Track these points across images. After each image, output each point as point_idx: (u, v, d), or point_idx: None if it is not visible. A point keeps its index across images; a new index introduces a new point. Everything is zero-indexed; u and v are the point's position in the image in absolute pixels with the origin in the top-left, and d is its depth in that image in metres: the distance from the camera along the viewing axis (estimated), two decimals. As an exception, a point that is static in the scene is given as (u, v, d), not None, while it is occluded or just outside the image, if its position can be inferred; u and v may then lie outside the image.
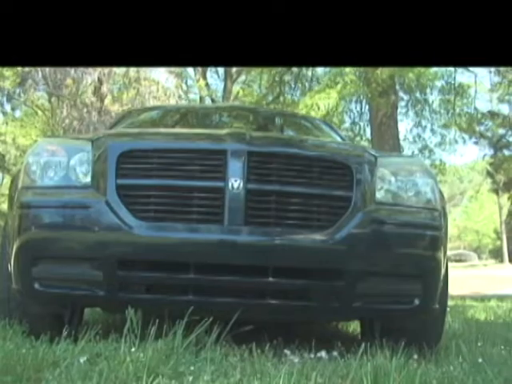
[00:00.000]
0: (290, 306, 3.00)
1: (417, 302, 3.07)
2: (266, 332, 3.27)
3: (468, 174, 41.03)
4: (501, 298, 14.16)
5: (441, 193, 3.35)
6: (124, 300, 2.94)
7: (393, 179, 3.19)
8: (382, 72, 12.31)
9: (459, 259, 54.86)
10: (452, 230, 56.66)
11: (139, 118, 5.16)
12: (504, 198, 24.39)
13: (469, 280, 24.85)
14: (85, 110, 16.43)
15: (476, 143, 19.17)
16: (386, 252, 3.03)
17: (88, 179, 3.03)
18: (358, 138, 15.75)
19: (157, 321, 2.83)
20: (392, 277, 3.06)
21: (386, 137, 13.54)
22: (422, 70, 13.61)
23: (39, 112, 21.06)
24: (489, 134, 19.27)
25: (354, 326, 4.38)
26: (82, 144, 3.18)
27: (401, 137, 15.38)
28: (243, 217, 2.86)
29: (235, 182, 2.87)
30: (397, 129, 14.09)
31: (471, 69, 16.70)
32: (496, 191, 22.46)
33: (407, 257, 3.09)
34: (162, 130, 3.88)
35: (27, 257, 2.99)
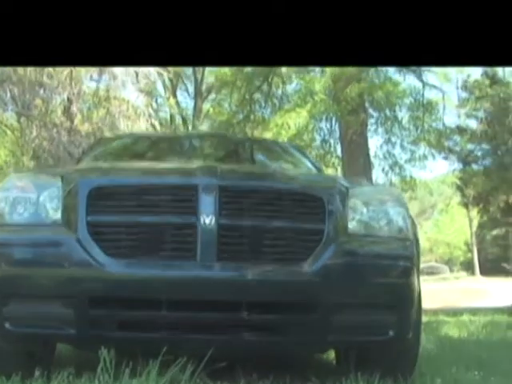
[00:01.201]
0: (264, 340, 2.99)
1: (391, 333, 3.07)
2: (241, 368, 3.25)
3: (438, 187, 41.36)
4: (473, 311, 14.27)
5: (412, 220, 3.37)
6: (96, 338, 2.91)
7: (364, 210, 3.19)
8: (352, 90, 12.40)
9: (431, 272, 55.12)
10: (423, 243, 56.99)
11: (110, 146, 5.15)
12: (474, 211, 24.66)
13: (441, 293, 25.02)
14: (54, 130, 16.29)
15: (445, 158, 19.33)
16: (360, 283, 3.04)
17: (58, 216, 3.00)
18: (328, 156, 15.85)
19: (130, 360, 2.81)
20: (366, 308, 3.06)
21: (357, 154, 13.64)
22: (391, 88, 13.75)
23: (8, 132, 20.85)
24: (457, 148, 19.45)
25: (330, 353, 4.38)
26: (51, 180, 3.14)
27: (371, 153, 15.52)
28: (216, 252, 2.84)
29: (207, 218, 2.85)
30: (367, 146, 14.21)
31: (439, 86, 16.92)
32: (466, 205, 22.65)
33: (380, 288, 3.09)
34: (132, 164, 3.84)
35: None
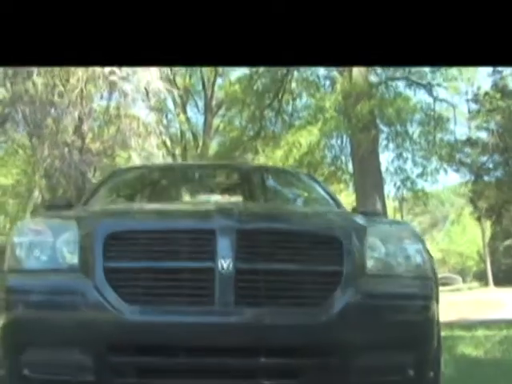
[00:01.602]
0: None
1: (411, 372, 3.06)
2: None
3: (449, 197, 41.20)
4: (487, 325, 14.17)
5: (430, 256, 3.34)
6: None
7: (383, 249, 3.16)
8: (362, 108, 12.38)
9: (444, 283, 54.81)
10: (436, 254, 56.72)
11: (124, 178, 5.14)
12: (486, 223, 24.58)
13: (455, 306, 24.87)
14: (66, 149, 16.34)
15: (457, 171, 19.28)
16: (379, 325, 3.01)
17: (75, 260, 2.98)
18: (339, 172, 15.81)
19: None
20: (385, 349, 3.03)
21: (368, 170, 13.61)
22: (402, 104, 13.71)
23: (20, 151, 20.95)
24: (469, 160, 19.39)
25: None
26: (67, 224, 3.13)
27: (382, 168, 15.47)
28: (233, 297, 2.81)
29: (225, 262, 2.82)
30: (378, 161, 14.18)
31: (449, 99, 16.87)
32: (478, 218, 22.56)
33: (400, 329, 3.06)
34: (147, 205, 3.83)
35: (16, 343, 2.95)
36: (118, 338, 2.86)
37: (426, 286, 3.20)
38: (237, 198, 4.65)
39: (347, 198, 19.05)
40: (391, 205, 20.45)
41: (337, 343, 2.92)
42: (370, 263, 3.09)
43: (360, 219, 3.38)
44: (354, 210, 4.67)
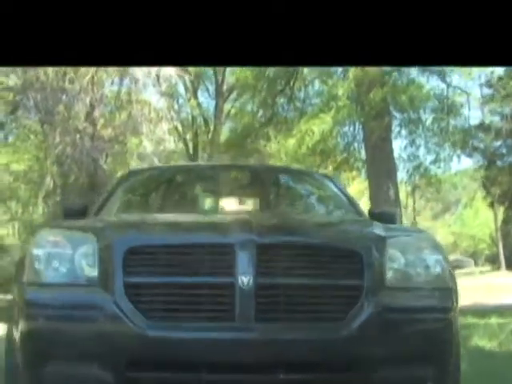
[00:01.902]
0: None
1: None
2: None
3: (462, 180, 40.96)
4: (501, 311, 14.10)
5: (449, 265, 3.30)
6: None
7: (402, 260, 3.13)
8: (375, 95, 12.27)
9: (456, 266, 54.69)
10: (448, 237, 56.59)
11: (137, 182, 5.11)
12: (500, 208, 24.43)
13: (468, 290, 24.77)
14: (77, 135, 16.31)
15: (470, 156, 19.16)
16: (399, 339, 2.99)
17: (94, 273, 2.96)
18: (352, 159, 15.70)
19: None
20: (405, 362, 3.02)
21: (381, 157, 13.52)
22: (415, 91, 13.59)
23: (32, 136, 20.95)
24: (482, 145, 19.27)
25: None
26: (86, 236, 3.10)
27: (395, 155, 15.35)
28: (254, 313, 2.80)
29: (245, 278, 2.80)
30: (391, 148, 14.08)
31: (463, 85, 16.72)
32: (491, 204, 22.46)
33: (420, 342, 3.04)
34: (166, 217, 3.77)
35: (36, 356, 2.95)
36: (138, 353, 2.85)
37: (446, 297, 3.17)
38: (253, 202, 4.71)
39: (360, 185, 18.97)
40: (403, 190, 20.30)
41: (357, 357, 2.91)
42: (389, 275, 3.06)
43: (379, 229, 3.34)
44: (370, 212, 4.63)
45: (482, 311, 14.13)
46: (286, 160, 12.98)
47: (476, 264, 54.56)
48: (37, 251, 3.07)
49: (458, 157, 17.04)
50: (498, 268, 43.76)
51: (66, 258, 3.01)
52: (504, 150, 19.36)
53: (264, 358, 2.82)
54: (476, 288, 26.22)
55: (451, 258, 60.40)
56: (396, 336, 2.98)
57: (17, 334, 3.03)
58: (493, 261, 50.56)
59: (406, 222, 22.53)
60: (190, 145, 23.56)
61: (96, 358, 2.87)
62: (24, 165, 21.43)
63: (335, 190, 4.92)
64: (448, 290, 3.19)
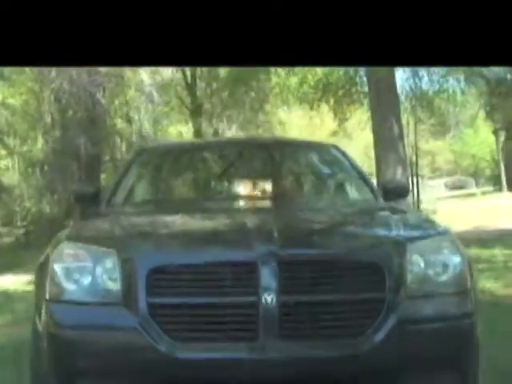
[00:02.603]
0: None
1: None
2: None
3: (464, 101, 40.57)
4: (502, 238, 14.11)
5: (469, 265, 3.24)
6: None
7: (422, 264, 3.08)
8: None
9: (457, 186, 54.83)
10: (448, 156, 56.68)
11: (152, 162, 5.03)
12: (502, 134, 24.25)
13: (470, 213, 24.84)
14: (74, 71, 16.05)
15: (474, 83, 18.85)
16: (422, 349, 2.97)
17: (117, 288, 2.94)
18: (354, 92, 15.38)
19: None
20: (428, 371, 3.02)
21: (384, 90, 13.23)
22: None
23: (27, 69, 20.59)
24: (486, 72, 18.94)
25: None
26: (107, 251, 3.05)
27: (398, 88, 15.04)
28: (278, 331, 2.79)
29: (268, 296, 2.78)
30: (394, 81, 13.77)
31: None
32: (494, 131, 22.27)
33: (443, 351, 3.02)
34: (185, 224, 3.65)
35: (67, 373, 2.99)
36: (166, 374, 2.86)
37: (468, 301, 3.14)
38: (266, 184, 4.69)
39: (362, 116, 18.71)
40: (405, 120, 20.10)
41: (380, 370, 2.90)
42: (410, 284, 3.01)
43: (397, 228, 3.30)
44: (384, 186, 4.61)
45: (486, 240, 14.16)
46: (288, 97, 12.70)
47: (477, 184, 54.70)
48: (58, 266, 3.05)
49: (462, 91, 16.70)
50: (500, 189, 43.94)
51: (88, 273, 2.99)
52: (508, 76, 19.04)
53: (289, 376, 2.82)
54: (479, 211, 26.27)
55: (452, 178, 60.51)
56: (419, 346, 2.97)
57: (43, 349, 3.06)
58: (493, 181, 50.71)
59: (408, 148, 22.35)
60: (188, 74, 23.12)
61: (124, 378, 2.89)
62: (20, 100, 21.14)
63: (347, 164, 4.79)
64: (468, 293, 3.15)
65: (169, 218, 3.81)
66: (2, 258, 15.26)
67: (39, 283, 3.24)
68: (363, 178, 4.66)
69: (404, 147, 13.26)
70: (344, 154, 4.92)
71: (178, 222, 3.71)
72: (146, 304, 2.83)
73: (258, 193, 4.70)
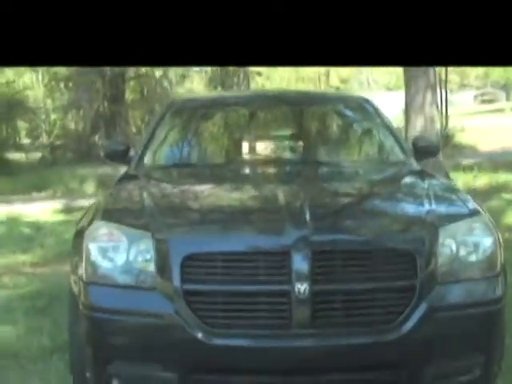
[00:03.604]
0: None
1: (479, 372, 3.10)
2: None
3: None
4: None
5: (500, 246, 3.19)
6: None
7: (454, 247, 3.05)
8: None
9: (486, 100, 53.77)
10: (478, 68, 55.40)
11: (181, 118, 5.00)
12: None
13: (498, 132, 24.38)
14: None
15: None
16: (452, 335, 2.99)
17: (152, 274, 2.96)
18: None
19: None
20: (456, 356, 3.06)
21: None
22: None
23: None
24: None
25: None
26: (141, 233, 3.06)
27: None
28: (310, 320, 2.81)
29: (301, 286, 2.80)
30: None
31: None
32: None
33: (472, 336, 3.05)
34: (218, 202, 3.58)
35: (102, 355, 3.05)
36: (201, 359, 2.93)
37: (498, 285, 3.12)
38: (297, 142, 4.72)
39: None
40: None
41: (410, 357, 2.95)
42: (440, 268, 3.00)
43: (433, 216, 3.17)
44: (415, 145, 4.55)
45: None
46: None
47: (508, 98, 53.58)
48: (92, 245, 3.08)
49: None
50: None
51: (123, 252, 3.02)
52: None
53: (321, 363, 2.87)
54: (507, 128, 25.75)
55: (481, 91, 59.26)
56: (449, 333, 2.98)
57: (79, 329, 3.12)
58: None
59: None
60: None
61: (160, 360, 2.95)
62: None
63: (378, 120, 4.66)
64: (499, 276, 3.13)
65: (200, 189, 3.83)
66: (29, 176, 15.34)
67: (75, 251, 3.28)
68: (394, 136, 4.56)
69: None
70: (376, 108, 4.79)
71: (209, 196, 3.71)
72: (181, 291, 2.86)
73: (286, 153, 4.70)
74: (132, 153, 4.53)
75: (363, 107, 4.86)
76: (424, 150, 4.52)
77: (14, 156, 20.38)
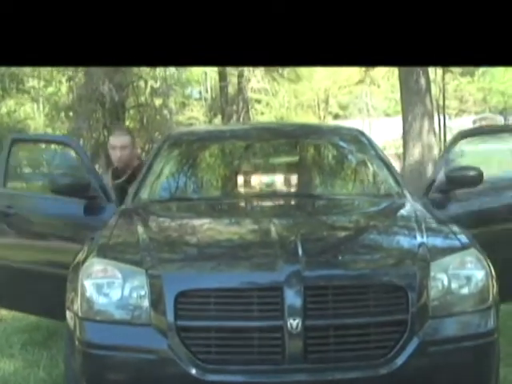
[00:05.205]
0: None
1: None
2: None
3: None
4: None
5: (492, 278, 3.24)
6: None
7: (446, 281, 3.09)
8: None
9: (485, 124, 53.69)
10: (476, 94, 55.69)
11: (178, 153, 5.07)
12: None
13: (498, 156, 24.36)
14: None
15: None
16: (444, 370, 3.02)
17: (146, 309, 3.00)
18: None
19: None
20: None
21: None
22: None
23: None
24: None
25: None
26: (135, 269, 3.10)
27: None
28: (303, 355, 2.83)
29: (293, 321, 2.82)
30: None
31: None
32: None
33: (465, 370, 3.08)
34: (210, 239, 3.65)
35: None
36: None
37: (491, 317, 3.15)
38: (292, 175, 4.82)
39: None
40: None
41: None
42: (433, 303, 3.04)
43: (424, 251, 3.21)
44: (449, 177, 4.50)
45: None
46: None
47: (506, 121, 53.59)
48: (87, 282, 3.12)
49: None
50: (529, 128, 43.10)
51: (118, 288, 3.06)
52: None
53: None
54: (507, 152, 25.77)
55: (480, 116, 59.39)
56: (441, 366, 3.00)
57: (75, 363, 3.17)
58: (524, 119, 49.79)
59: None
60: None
61: None
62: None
63: (372, 152, 4.70)
64: (492, 308, 3.16)
65: (194, 223, 3.87)
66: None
67: (71, 287, 3.32)
68: (388, 167, 4.59)
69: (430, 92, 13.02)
70: (370, 140, 4.84)
71: (203, 231, 3.74)
72: (174, 326, 2.89)
73: (282, 187, 4.77)
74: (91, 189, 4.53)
75: (358, 139, 4.90)
76: (460, 182, 4.45)
77: (16, 185, 20.39)
